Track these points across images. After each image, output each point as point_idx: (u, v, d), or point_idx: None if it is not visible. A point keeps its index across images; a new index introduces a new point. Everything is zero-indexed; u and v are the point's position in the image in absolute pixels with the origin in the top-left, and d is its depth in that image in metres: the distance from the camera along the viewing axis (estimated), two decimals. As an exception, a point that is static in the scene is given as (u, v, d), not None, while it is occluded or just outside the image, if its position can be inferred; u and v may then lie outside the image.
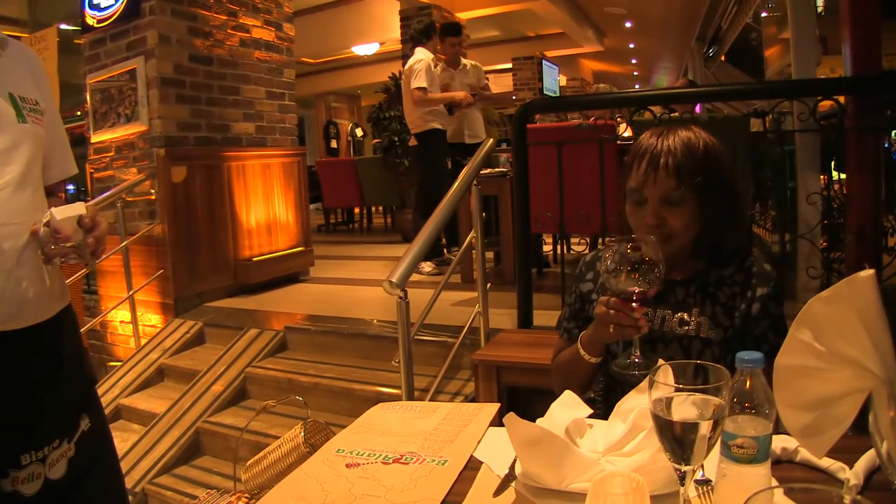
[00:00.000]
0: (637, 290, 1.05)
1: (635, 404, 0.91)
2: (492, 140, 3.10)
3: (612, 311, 1.09)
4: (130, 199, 3.95)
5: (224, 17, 4.14)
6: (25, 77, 1.16)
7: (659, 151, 1.17)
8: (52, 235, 1.06)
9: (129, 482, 2.67)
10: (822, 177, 3.11)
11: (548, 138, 3.00)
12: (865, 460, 0.83)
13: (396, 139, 6.59)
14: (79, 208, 1.09)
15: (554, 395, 1.07)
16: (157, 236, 3.89)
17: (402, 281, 1.98)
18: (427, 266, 4.34)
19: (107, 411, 3.16)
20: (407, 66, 4.58)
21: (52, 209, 1.07)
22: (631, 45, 12.13)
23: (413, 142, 4.66)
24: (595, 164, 2.75)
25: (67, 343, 1.20)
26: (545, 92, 10.75)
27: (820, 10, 4.86)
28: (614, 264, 1.05)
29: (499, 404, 1.22)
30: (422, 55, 4.54)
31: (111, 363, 4.04)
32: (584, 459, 0.86)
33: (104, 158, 4.13)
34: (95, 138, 4.13)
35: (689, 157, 1.16)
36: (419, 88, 4.40)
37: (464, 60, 4.96)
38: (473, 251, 2.90)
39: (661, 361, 0.84)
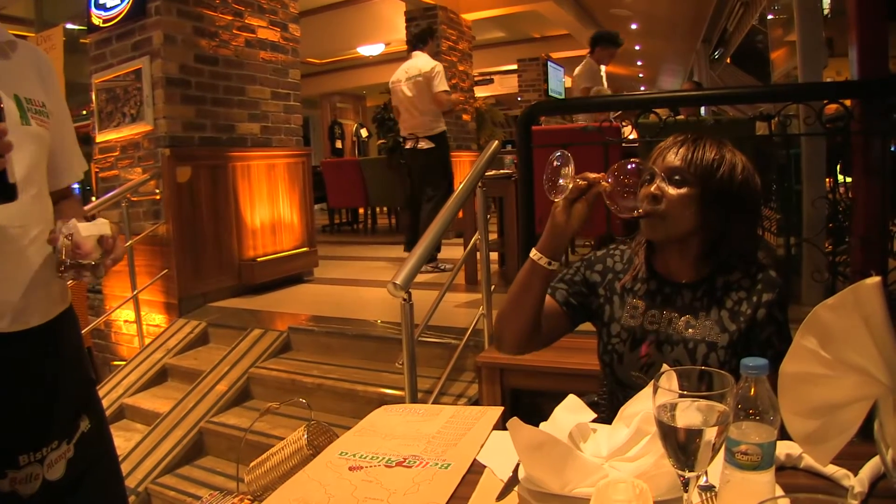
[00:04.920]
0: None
1: (639, 408, 0.91)
2: (497, 142, 3.10)
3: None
4: (135, 198, 3.96)
5: (230, 18, 4.14)
6: (33, 79, 1.16)
7: (675, 142, 1.23)
8: (73, 250, 1.05)
9: (132, 482, 2.67)
10: (827, 180, 3.10)
11: (553, 140, 3.00)
12: (870, 468, 0.83)
13: (401, 140, 6.60)
14: (104, 227, 1.08)
15: (558, 399, 1.07)
16: (161, 236, 3.90)
17: (407, 283, 1.98)
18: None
19: (110, 411, 3.18)
20: (426, 69, 4.60)
21: (78, 223, 1.06)
22: (637, 47, 12.11)
23: (427, 144, 4.66)
24: (600, 166, 2.75)
25: (68, 345, 1.20)
26: (550, 94, 10.77)
27: (826, 12, 4.84)
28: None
29: (502, 408, 1.22)
30: (431, 59, 4.58)
31: (115, 362, 4.05)
32: (588, 464, 0.85)
33: (109, 158, 4.14)
34: (101, 138, 4.15)
35: (700, 152, 1.19)
36: (447, 91, 4.53)
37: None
38: (478, 252, 2.90)
39: (665, 367, 0.84)
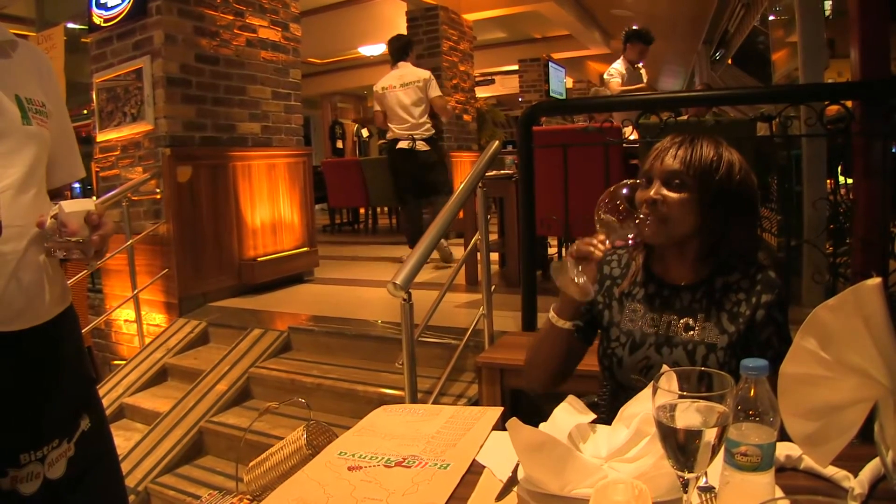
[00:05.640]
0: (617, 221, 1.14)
1: (639, 409, 0.91)
2: (497, 142, 3.09)
3: (579, 245, 1.15)
4: (136, 198, 3.95)
5: (230, 17, 4.14)
6: (33, 79, 1.16)
7: (672, 144, 1.22)
8: (59, 228, 1.06)
9: (131, 481, 2.67)
10: (828, 181, 3.10)
11: (554, 141, 2.99)
12: (870, 469, 0.83)
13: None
14: (88, 204, 1.08)
15: (558, 399, 1.07)
16: (162, 236, 3.89)
17: (407, 283, 1.98)
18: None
19: (110, 410, 3.18)
20: (424, 76, 4.83)
21: (62, 202, 1.07)
22: (637, 48, 12.09)
23: (424, 146, 4.81)
24: (601, 166, 2.74)
25: (68, 343, 1.20)
26: (551, 94, 10.76)
27: (828, 13, 4.84)
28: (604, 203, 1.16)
29: (502, 408, 1.22)
30: (418, 68, 4.89)
31: (115, 362, 4.05)
32: (587, 465, 0.85)
33: (110, 157, 4.14)
34: (101, 137, 4.14)
35: (698, 154, 1.19)
36: (441, 96, 4.86)
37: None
38: (478, 253, 2.90)
39: (665, 368, 0.84)
